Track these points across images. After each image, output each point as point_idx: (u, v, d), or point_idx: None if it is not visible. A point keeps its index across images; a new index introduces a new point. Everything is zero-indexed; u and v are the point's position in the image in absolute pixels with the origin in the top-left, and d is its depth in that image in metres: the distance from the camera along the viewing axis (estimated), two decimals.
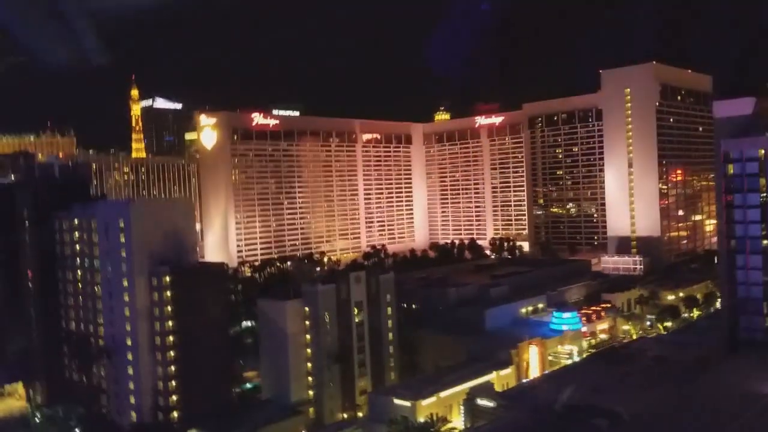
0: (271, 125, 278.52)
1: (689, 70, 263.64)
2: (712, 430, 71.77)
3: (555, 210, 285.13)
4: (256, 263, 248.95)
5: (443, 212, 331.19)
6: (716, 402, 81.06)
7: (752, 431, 71.38)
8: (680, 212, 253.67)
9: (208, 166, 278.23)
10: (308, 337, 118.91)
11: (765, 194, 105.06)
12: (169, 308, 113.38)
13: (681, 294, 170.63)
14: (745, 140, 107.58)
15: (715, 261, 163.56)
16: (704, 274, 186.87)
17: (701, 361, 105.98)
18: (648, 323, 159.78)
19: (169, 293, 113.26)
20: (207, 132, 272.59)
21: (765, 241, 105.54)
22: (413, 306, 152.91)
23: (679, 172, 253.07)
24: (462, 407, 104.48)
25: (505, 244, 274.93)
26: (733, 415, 75.36)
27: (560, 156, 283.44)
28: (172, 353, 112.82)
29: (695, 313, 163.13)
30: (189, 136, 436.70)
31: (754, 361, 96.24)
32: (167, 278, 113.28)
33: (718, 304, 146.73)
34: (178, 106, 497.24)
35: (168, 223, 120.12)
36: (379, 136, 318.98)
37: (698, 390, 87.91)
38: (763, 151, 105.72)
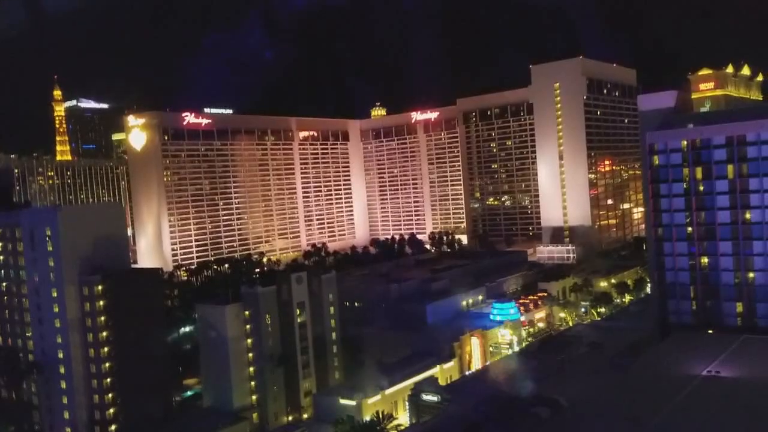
0: (203, 124, 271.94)
1: (615, 64, 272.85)
2: (648, 412, 74.57)
3: (491, 203, 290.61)
4: (193, 266, 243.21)
5: (383, 208, 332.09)
6: (651, 385, 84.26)
7: (686, 411, 74.50)
8: (609, 201, 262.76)
9: (138, 168, 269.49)
10: (249, 340, 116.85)
11: (688, 183, 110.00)
12: (102, 318, 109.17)
13: (613, 281, 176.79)
14: (669, 132, 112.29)
15: (644, 248, 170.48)
16: (634, 260, 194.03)
17: (635, 346, 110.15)
18: (583, 310, 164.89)
19: (101, 302, 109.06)
20: (136, 133, 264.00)
21: (690, 228, 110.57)
22: (356, 304, 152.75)
23: (607, 162, 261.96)
24: (407, 403, 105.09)
25: (444, 237, 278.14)
26: (667, 397, 78.50)
27: (494, 150, 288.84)
28: (107, 364, 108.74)
29: (627, 298, 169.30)
30: (116, 137, 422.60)
31: (684, 344, 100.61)
32: (99, 287, 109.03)
33: (648, 290, 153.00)
34: (104, 106, 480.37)
35: (97, 228, 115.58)
36: (315, 134, 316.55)
37: (633, 374, 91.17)
38: (685, 142, 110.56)
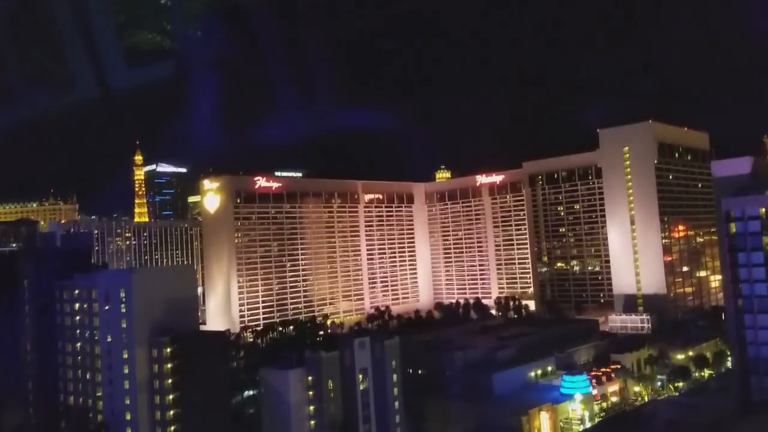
0: (273, 188, 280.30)
1: (686, 128, 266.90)
2: None
3: (559, 267, 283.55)
4: (259, 327, 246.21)
5: (447, 271, 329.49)
6: None
7: None
8: (685, 268, 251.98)
9: (210, 230, 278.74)
10: (312, 407, 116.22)
11: None
12: (170, 380, 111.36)
13: (690, 353, 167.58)
14: (746, 199, 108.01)
15: (723, 318, 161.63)
16: (712, 331, 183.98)
17: (715, 424, 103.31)
18: (659, 384, 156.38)
19: (169, 364, 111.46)
20: (210, 196, 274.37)
21: None
22: (419, 371, 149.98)
23: (681, 228, 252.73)
24: None
25: (511, 303, 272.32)
26: None
27: (562, 213, 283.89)
28: (172, 428, 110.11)
29: (706, 372, 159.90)
30: (192, 199, 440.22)
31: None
32: (167, 349, 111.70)
33: (728, 363, 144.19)
34: (182, 170, 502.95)
35: (169, 290, 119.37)
36: (381, 196, 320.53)
37: None
38: (764, 210, 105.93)
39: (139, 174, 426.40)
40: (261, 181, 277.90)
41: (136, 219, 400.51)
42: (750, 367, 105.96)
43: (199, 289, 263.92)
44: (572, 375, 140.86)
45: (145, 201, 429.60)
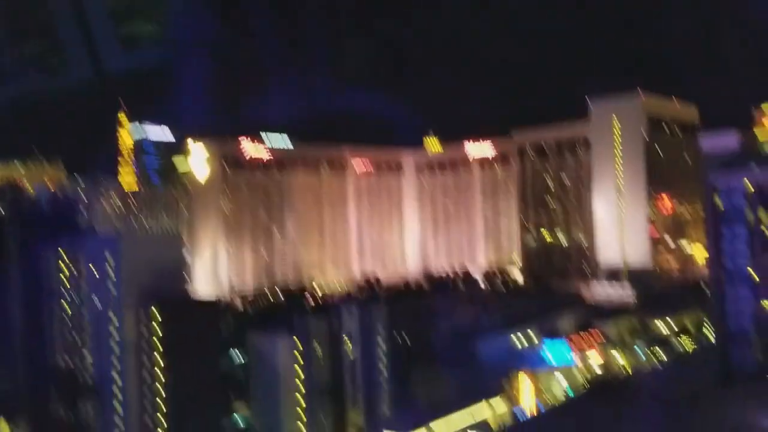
0: (265, 159, 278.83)
1: (675, 100, 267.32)
2: None
3: (546, 239, 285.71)
4: (247, 295, 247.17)
5: (435, 241, 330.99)
6: None
7: None
8: (670, 241, 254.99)
9: (198, 195, 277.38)
10: (300, 371, 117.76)
11: (752, 226, 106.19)
12: (158, 343, 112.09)
13: (672, 323, 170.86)
14: (732, 173, 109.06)
15: (705, 290, 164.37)
16: (695, 303, 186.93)
17: (695, 395, 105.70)
18: (640, 353, 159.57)
19: (158, 328, 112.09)
20: (197, 161, 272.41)
21: (753, 273, 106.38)
22: (407, 338, 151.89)
23: (667, 200, 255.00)
24: None
25: (497, 273, 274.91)
26: None
27: (550, 184, 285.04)
28: (161, 389, 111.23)
29: (686, 343, 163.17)
30: (179, 163, 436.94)
31: (747, 394, 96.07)
32: (157, 313, 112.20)
33: (709, 335, 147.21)
34: (169, 132, 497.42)
35: (158, 255, 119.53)
36: (370, 164, 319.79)
37: (694, 425, 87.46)
38: (749, 184, 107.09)
39: (125, 135, 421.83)
40: (248, 146, 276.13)
41: (122, 183, 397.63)
42: (730, 338, 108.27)
43: (187, 255, 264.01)
44: (554, 342, 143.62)
45: (131, 164, 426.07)
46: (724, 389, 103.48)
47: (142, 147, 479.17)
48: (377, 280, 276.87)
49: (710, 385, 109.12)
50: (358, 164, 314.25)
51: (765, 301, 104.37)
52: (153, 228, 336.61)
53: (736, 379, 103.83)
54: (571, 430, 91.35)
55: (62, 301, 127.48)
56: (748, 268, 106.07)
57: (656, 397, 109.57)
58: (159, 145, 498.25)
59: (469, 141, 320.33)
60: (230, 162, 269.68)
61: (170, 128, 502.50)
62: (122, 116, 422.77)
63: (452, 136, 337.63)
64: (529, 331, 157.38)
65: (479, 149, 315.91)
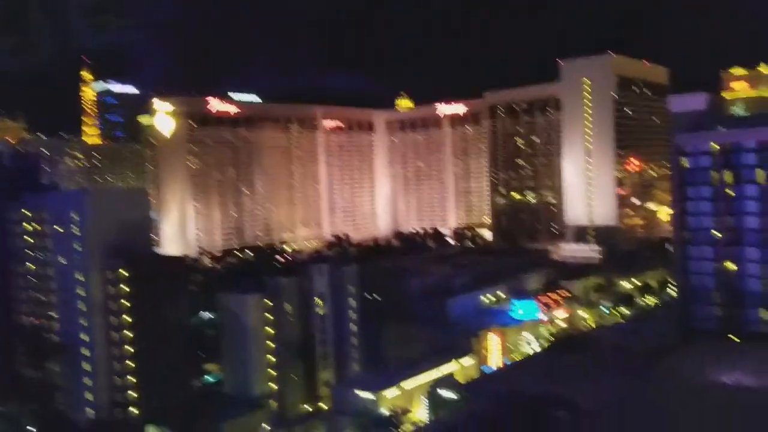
0: (230, 112, 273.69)
1: (645, 62, 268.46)
2: (667, 418, 73.77)
3: (515, 198, 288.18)
4: (216, 253, 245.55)
5: (406, 200, 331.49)
6: (672, 392, 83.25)
7: (708, 420, 73.55)
8: (636, 201, 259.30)
9: (164, 153, 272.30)
10: (270, 330, 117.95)
11: (717, 187, 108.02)
12: (126, 302, 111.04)
13: (636, 282, 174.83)
14: (699, 135, 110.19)
15: (669, 249, 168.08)
16: (659, 262, 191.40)
17: (657, 350, 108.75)
18: (605, 310, 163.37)
19: (125, 287, 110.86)
20: (163, 117, 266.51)
21: (717, 233, 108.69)
22: (376, 297, 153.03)
23: (635, 162, 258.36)
24: (425, 398, 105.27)
25: (467, 232, 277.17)
26: (689, 404, 77.56)
27: (521, 145, 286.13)
28: (129, 348, 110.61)
29: (650, 300, 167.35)
30: (144, 120, 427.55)
31: (706, 351, 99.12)
32: (123, 271, 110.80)
33: (671, 292, 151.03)
34: (133, 88, 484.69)
35: (124, 213, 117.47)
36: (341, 123, 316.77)
37: (654, 380, 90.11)
38: (715, 146, 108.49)
39: (88, 92, 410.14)
40: (215, 103, 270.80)
41: (86, 139, 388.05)
42: (691, 296, 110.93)
43: (154, 213, 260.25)
44: (522, 300, 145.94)
45: (95, 121, 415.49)
46: (685, 345, 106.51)
47: (105, 101, 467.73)
48: (348, 239, 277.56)
49: (671, 341, 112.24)
50: (329, 123, 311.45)
51: (727, 262, 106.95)
52: (118, 185, 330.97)
53: (697, 336, 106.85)
54: (534, 383, 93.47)
55: (27, 259, 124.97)
56: (712, 228, 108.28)
57: (617, 352, 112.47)
58: (123, 99, 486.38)
59: (441, 103, 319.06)
60: (197, 119, 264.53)
61: (134, 83, 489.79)
62: (85, 72, 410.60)
63: (425, 99, 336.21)
64: (497, 289, 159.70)
65: (451, 108, 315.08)
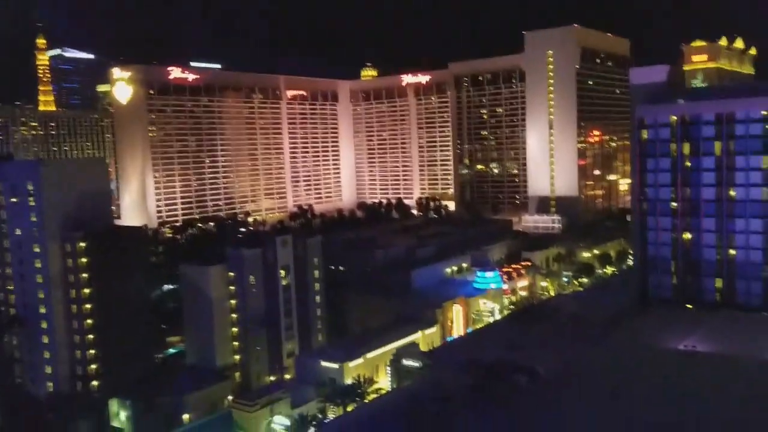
0: (190, 79, 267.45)
1: (609, 34, 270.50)
2: (624, 384, 75.91)
3: (479, 170, 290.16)
4: (177, 224, 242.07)
5: (370, 171, 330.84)
6: (628, 357, 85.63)
7: (662, 384, 75.92)
8: (597, 172, 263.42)
9: (123, 122, 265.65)
10: (233, 301, 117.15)
11: (675, 159, 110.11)
12: (85, 274, 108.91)
13: (596, 252, 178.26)
14: (659, 107, 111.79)
15: (629, 220, 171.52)
16: (618, 232, 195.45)
17: (614, 318, 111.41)
18: (565, 280, 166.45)
19: (83, 259, 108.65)
20: (121, 85, 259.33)
21: (674, 204, 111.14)
22: (341, 268, 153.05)
23: (597, 133, 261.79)
24: (388, 368, 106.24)
25: (431, 203, 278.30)
26: (643, 369, 79.93)
27: (485, 116, 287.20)
28: (89, 321, 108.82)
29: (609, 270, 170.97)
30: (102, 88, 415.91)
31: (663, 318, 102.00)
32: (81, 243, 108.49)
33: (630, 262, 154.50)
34: (90, 56, 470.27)
35: (81, 183, 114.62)
36: (304, 93, 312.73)
37: (611, 346, 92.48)
38: (675, 118, 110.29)
39: (43, 59, 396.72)
40: (176, 72, 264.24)
41: (41, 107, 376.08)
42: (649, 265, 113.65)
43: (113, 184, 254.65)
44: (485, 271, 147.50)
45: (50, 88, 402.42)
46: (642, 313, 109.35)
47: (60, 68, 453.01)
48: (311, 210, 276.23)
49: (629, 309, 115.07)
50: (293, 92, 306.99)
51: (684, 232, 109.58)
52: (75, 155, 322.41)
53: (654, 304, 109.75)
54: (494, 350, 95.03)
55: None
56: (670, 200, 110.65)
57: (576, 320, 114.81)
58: (78, 65, 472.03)
59: (407, 74, 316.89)
60: (156, 87, 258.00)
61: (90, 49, 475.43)
62: (40, 40, 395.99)
63: (390, 70, 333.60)
64: (461, 260, 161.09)
65: (415, 78, 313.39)
